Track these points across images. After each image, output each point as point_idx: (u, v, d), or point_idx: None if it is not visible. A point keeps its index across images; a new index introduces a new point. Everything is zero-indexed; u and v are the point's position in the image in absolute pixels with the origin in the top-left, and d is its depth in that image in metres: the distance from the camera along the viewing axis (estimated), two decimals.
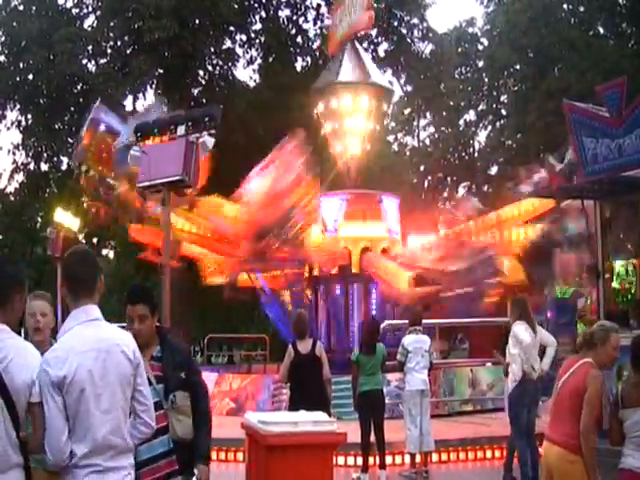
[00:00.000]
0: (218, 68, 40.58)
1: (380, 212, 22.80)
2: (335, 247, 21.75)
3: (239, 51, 41.40)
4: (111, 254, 48.06)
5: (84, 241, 33.37)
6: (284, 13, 42.06)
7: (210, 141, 13.67)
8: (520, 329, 10.65)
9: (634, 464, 6.31)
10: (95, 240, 42.56)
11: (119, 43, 39.26)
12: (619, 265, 14.68)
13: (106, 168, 19.25)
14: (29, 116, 41.27)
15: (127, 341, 4.78)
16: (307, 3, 41.64)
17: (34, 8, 41.17)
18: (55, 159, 42.52)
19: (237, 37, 41.08)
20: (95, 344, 4.60)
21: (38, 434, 4.59)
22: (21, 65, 40.25)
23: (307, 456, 7.06)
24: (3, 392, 4.38)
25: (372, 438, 12.05)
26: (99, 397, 4.57)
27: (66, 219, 26.17)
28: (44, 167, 42.72)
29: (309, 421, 7.34)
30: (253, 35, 41.59)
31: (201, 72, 40.13)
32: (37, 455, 5.30)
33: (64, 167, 42.34)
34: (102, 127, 19.25)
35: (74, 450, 4.50)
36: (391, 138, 54.41)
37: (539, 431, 11.19)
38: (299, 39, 41.55)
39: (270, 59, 41.34)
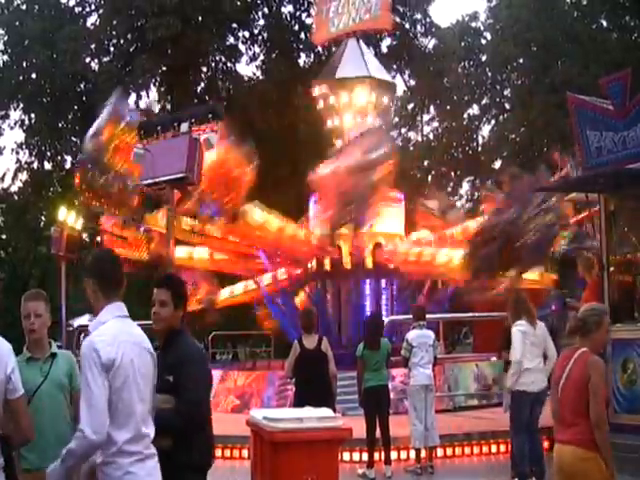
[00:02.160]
0: (221, 65, 40.70)
1: None
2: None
3: (242, 48, 41.62)
4: None
5: (87, 240, 33.31)
6: (287, 9, 42.24)
7: (213, 138, 13.65)
8: (517, 338, 10.58)
9: None
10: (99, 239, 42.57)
11: (122, 41, 39.35)
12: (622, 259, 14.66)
13: (123, 165, 18.61)
14: (32, 115, 41.35)
15: (148, 340, 4.94)
16: None
17: (37, 7, 41.27)
18: (59, 158, 42.61)
19: (240, 34, 41.23)
20: (130, 338, 4.75)
21: (26, 428, 4.72)
22: (24, 64, 40.36)
23: (313, 452, 7.06)
24: None
25: (377, 434, 12.06)
26: (138, 386, 4.69)
27: (70, 218, 26.14)
28: (48, 166, 42.84)
29: (314, 417, 7.34)
30: (256, 31, 41.70)
31: (204, 69, 40.24)
32: (30, 454, 5.34)
33: (67, 166, 42.43)
34: (123, 122, 18.78)
35: (115, 437, 4.54)
36: (394, 133, 54.35)
37: (542, 425, 11.22)
38: (302, 35, 41.55)
39: (273, 55, 41.36)
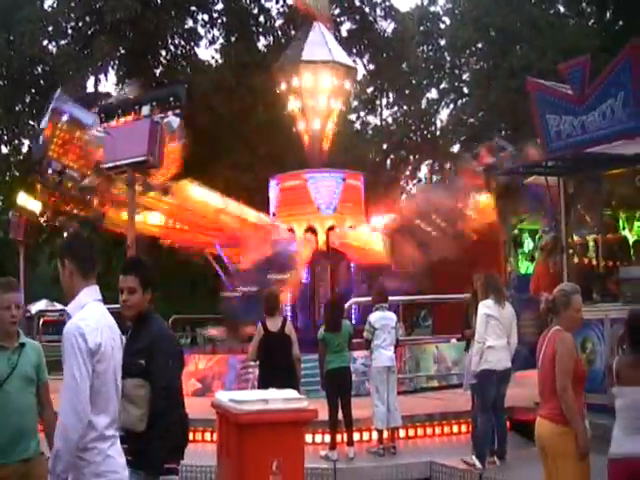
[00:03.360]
0: (180, 48, 40.37)
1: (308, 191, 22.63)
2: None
3: (201, 31, 41.21)
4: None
5: (45, 224, 33.01)
6: None
7: (175, 121, 13.63)
8: (480, 320, 10.70)
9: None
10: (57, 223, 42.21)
11: (80, 24, 38.83)
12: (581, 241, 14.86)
13: (72, 160, 18.77)
14: None
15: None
16: None
17: None
18: (16, 142, 42.09)
19: (199, 17, 40.88)
20: (107, 322, 4.76)
21: None
22: None
23: (278, 433, 7.12)
24: None
25: (339, 415, 12.13)
26: (115, 370, 4.74)
27: (28, 202, 25.92)
28: (5, 150, 42.30)
29: (280, 399, 7.39)
30: (215, 15, 41.36)
31: (163, 52, 39.90)
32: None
33: (25, 149, 41.97)
34: (65, 117, 18.87)
35: (96, 422, 4.55)
36: (354, 117, 54.39)
37: (508, 405, 11.38)
38: (261, 18, 41.36)
39: (232, 38, 41.13)
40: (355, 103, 52.96)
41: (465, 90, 51.94)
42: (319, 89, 23.89)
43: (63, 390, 4.52)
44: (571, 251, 13.29)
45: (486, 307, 10.73)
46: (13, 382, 5.81)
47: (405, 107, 54.87)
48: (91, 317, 4.65)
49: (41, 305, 38.78)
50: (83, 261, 4.83)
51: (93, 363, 4.52)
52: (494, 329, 10.65)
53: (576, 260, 13.75)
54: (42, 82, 39.55)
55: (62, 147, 18.57)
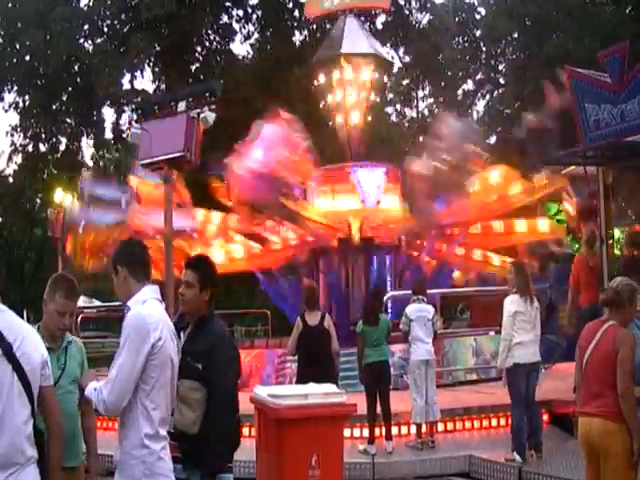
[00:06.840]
0: (215, 44, 40.52)
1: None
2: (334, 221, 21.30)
3: (236, 26, 41.38)
4: None
5: None
6: None
7: (211, 116, 13.59)
8: (505, 317, 10.58)
9: None
10: None
11: (116, 22, 39.13)
12: (619, 232, 14.69)
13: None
14: (27, 97, 41.13)
15: None
16: None
17: None
18: (53, 140, 42.37)
19: (234, 12, 41.03)
20: (167, 320, 4.85)
21: (60, 418, 4.60)
22: (18, 46, 40.05)
23: (318, 428, 7.11)
24: (21, 376, 4.19)
25: (378, 409, 12.10)
26: (172, 368, 4.80)
27: (66, 200, 26.08)
28: (42, 148, 42.60)
29: (319, 393, 7.37)
30: (250, 10, 41.47)
31: (199, 48, 40.07)
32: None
33: (62, 147, 42.29)
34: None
35: (153, 416, 4.62)
36: (390, 109, 54.25)
37: (542, 399, 11.27)
38: (296, 12, 41.38)
39: (267, 33, 41.21)
40: (391, 95, 52.82)
41: (501, 81, 51.53)
42: (357, 82, 23.79)
43: (113, 370, 4.60)
44: (610, 242, 13.13)
45: (513, 303, 10.59)
46: (63, 383, 5.73)
47: (441, 99, 54.59)
48: (154, 312, 4.75)
49: (79, 301, 39.11)
50: (136, 265, 4.94)
51: (150, 354, 4.59)
52: (521, 325, 10.51)
53: (616, 251, 13.60)
54: (79, 80, 39.83)
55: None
